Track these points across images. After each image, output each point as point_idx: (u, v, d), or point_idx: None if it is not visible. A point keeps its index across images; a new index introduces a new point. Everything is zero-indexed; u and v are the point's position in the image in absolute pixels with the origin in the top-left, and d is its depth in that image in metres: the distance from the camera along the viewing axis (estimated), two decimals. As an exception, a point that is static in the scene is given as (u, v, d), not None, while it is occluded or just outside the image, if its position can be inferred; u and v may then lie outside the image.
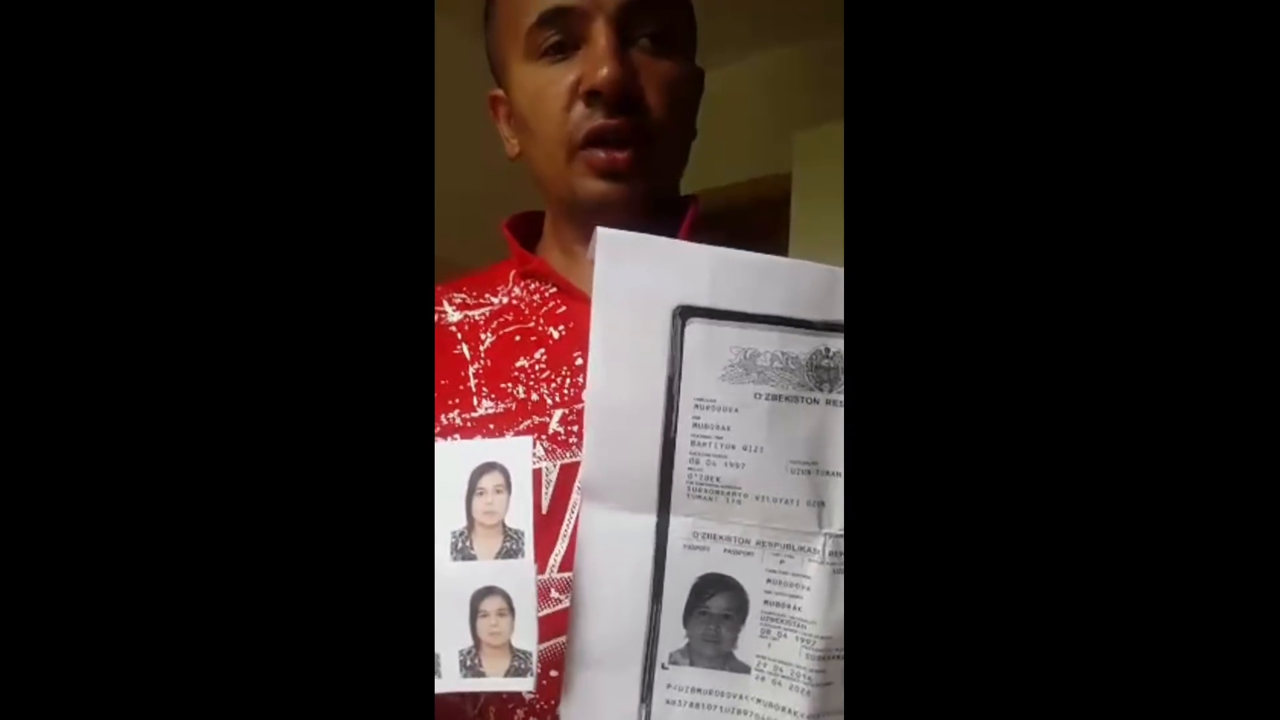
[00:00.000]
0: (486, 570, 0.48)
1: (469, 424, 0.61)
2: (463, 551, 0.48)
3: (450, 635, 0.48)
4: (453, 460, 0.49)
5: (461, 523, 0.49)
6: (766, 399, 0.48)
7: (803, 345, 0.48)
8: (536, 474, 0.57)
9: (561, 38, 0.61)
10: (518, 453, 0.49)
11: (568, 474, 0.58)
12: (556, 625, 0.53)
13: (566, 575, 0.55)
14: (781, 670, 0.49)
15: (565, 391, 0.61)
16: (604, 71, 0.59)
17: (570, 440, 0.59)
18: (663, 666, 0.49)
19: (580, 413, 0.60)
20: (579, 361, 0.62)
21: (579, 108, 0.61)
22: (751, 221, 1.87)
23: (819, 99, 1.93)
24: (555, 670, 0.53)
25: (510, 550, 0.48)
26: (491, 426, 0.61)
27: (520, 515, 0.48)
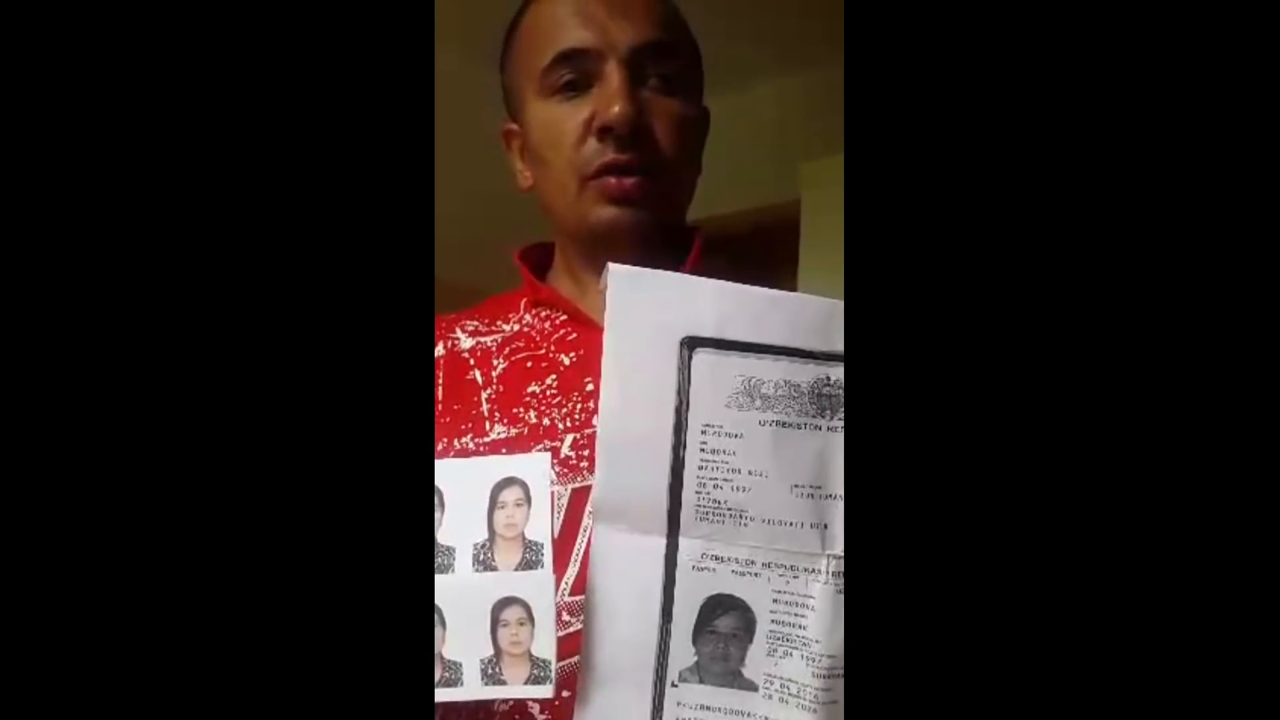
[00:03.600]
0: (507, 581, 0.50)
1: (482, 448, 0.63)
2: (484, 563, 0.50)
3: (472, 644, 0.49)
4: (474, 475, 0.51)
5: (483, 535, 0.50)
6: (771, 425, 0.50)
7: (805, 374, 0.50)
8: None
9: (575, 77, 0.64)
10: (537, 468, 0.51)
11: (579, 497, 0.60)
12: (568, 647, 0.54)
13: (578, 598, 0.56)
14: (788, 688, 0.50)
15: (576, 416, 0.63)
16: (616, 109, 0.62)
17: (581, 465, 0.61)
18: (673, 684, 0.51)
19: (591, 437, 0.61)
20: (589, 387, 0.63)
21: (591, 143, 0.64)
22: (758, 248, 1.89)
23: (827, 130, 1.95)
24: (567, 691, 0.54)
25: (530, 561, 0.50)
26: (504, 451, 0.62)
27: (539, 528, 0.50)
